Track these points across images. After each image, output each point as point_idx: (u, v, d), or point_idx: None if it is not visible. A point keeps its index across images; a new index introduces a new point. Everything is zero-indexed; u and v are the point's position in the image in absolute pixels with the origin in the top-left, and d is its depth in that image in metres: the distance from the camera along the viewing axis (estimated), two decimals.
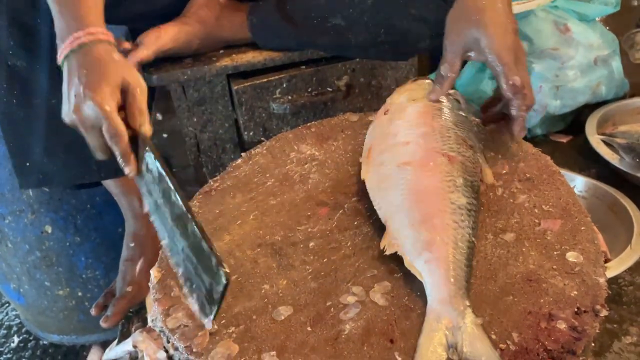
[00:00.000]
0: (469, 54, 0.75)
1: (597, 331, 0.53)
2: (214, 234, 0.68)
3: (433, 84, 0.77)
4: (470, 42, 0.74)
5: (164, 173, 0.63)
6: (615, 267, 0.94)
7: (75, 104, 0.69)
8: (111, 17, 1.13)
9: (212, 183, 0.77)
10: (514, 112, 0.73)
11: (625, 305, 0.98)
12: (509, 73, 0.71)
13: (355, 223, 0.67)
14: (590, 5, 1.34)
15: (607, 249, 0.65)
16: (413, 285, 0.58)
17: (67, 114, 0.71)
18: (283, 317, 0.56)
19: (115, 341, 1.02)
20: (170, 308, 0.58)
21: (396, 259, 0.61)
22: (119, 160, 0.69)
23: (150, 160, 0.65)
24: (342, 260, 0.62)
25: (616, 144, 1.20)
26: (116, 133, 0.67)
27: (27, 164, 0.98)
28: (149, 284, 0.62)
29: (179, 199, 0.59)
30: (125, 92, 0.70)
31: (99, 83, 0.68)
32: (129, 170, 0.69)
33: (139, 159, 0.68)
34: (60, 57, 0.73)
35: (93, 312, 1.01)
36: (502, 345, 0.51)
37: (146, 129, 0.70)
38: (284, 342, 0.53)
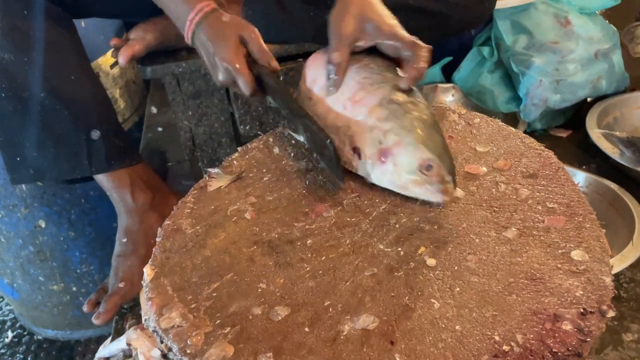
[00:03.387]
0: (358, 43, 0.79)
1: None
2: (208, 231, 0.66)
3: (331, 75, 0.79)
4: (357, 32, 0.78)
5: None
6: (616, 264, 0.93)
7: (215, 73, 0.84)
8: (105, 11, 1.12)
9: (207, 178, 0.75)
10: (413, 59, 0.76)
11: (626, 302, 0.97)
12: (402, 36, 0.77)
13: (354, 220, 0.65)
14: None
15: (608, 245, 0.63)
16: (414, 284, 0.56)
17: (216, 81, 0.85)
18: (280, 317, 0.54)
19: (109, 338, 1.00)
20: (164, 307, 0.56)
21: (397, 258, 0.60)
22: (245, 89, 0.82)
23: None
24: (341, 258, 0.60)
25: (616, 138, 1.19)
26: (244, 80, 0.81)
27: (18, 159, 0.96)
28: (142, 282, 0.60)
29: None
30: (245, 43, 0.84)
31: (223, 49, 0.82)
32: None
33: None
34: (188, 40, 0.86)
35: (85, 308, 0.99)
36: (506, 347, 0.49)
37: (273, 64, 0.83)
38: (281, 343, 0.52)
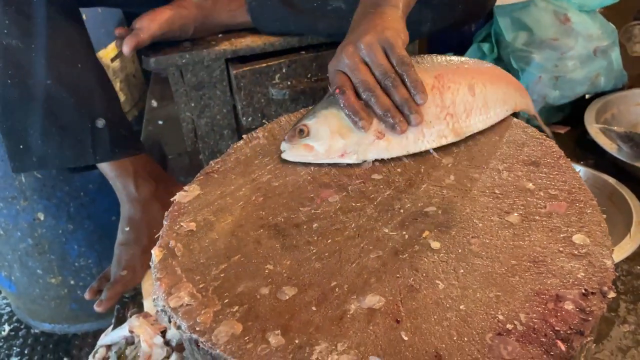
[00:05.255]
0: None
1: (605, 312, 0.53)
2: (216, 214, 0.67)
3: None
4: None
5: None
6: (614, 257, 0.94)
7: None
8: (106, 0, 1.12)
9: (212, 164, 0.76)
10: None
11: (623, 295, 0.99)
12: None
13: (359, 205, 0.66)
14: None
15: (608, 230, 0.64)
16: (419, 266, 0.57)
17: None
18: (287, 297, 0.55)
19: (111, 326, 1.00)
20: (173, 287, 0.57)
21: (401, 241, 0.61)
22: None
23: None
24: (347, 241, 0.61)
25: (614, 132, 1.20)
26: None
27: (21, 147, 0.96)
28: (150, 263, 0.61)
29: None
30: None
31: None
32: None
33: None
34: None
35: (87, 295, 0.99)
36: (510, 326, 0.50)
37: None
38: (289, 321, 0.52)
